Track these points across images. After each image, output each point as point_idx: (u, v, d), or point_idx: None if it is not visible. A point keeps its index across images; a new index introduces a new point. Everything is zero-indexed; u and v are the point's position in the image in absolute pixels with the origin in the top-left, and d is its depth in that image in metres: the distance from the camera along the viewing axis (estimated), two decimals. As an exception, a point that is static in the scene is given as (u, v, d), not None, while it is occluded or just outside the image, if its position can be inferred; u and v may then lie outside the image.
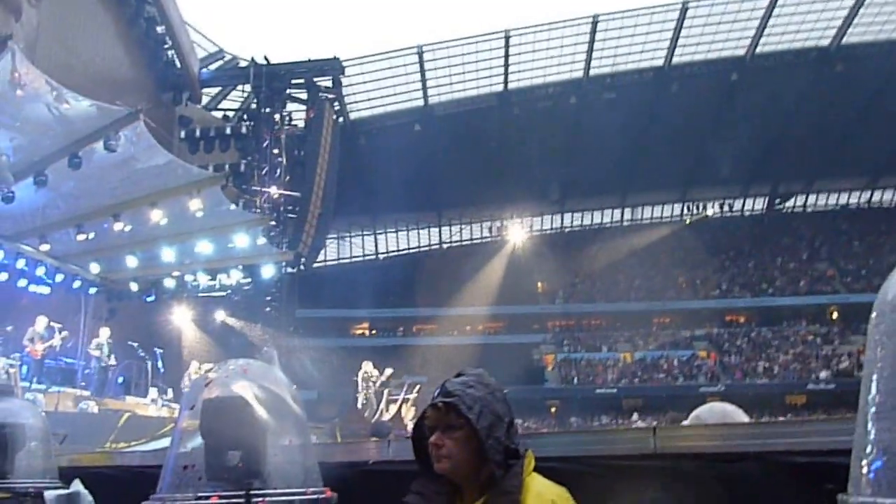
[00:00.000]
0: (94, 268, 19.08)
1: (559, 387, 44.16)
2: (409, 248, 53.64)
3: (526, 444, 2.23)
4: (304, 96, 30.52)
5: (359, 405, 19.96)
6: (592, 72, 41.87)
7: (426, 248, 53.67)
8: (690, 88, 41.71)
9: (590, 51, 40.43)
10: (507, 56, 39.89)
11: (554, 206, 53.05)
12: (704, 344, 46.01)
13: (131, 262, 19.15)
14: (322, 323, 43.33)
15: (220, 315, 29.75)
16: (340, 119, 35.52)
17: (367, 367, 20.27)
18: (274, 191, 27.11)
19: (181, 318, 27.85)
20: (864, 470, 1.17)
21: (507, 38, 38.88)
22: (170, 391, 20.28)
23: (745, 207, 55.34)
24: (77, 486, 3.12)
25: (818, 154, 46.78)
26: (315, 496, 2.30)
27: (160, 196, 16.24)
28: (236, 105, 34.38)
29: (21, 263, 17.23)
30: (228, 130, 28.06)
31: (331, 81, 30.90)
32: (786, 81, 41.47)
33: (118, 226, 16.47)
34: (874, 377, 1.20)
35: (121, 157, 14.48)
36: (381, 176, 40.03)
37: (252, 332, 29.52)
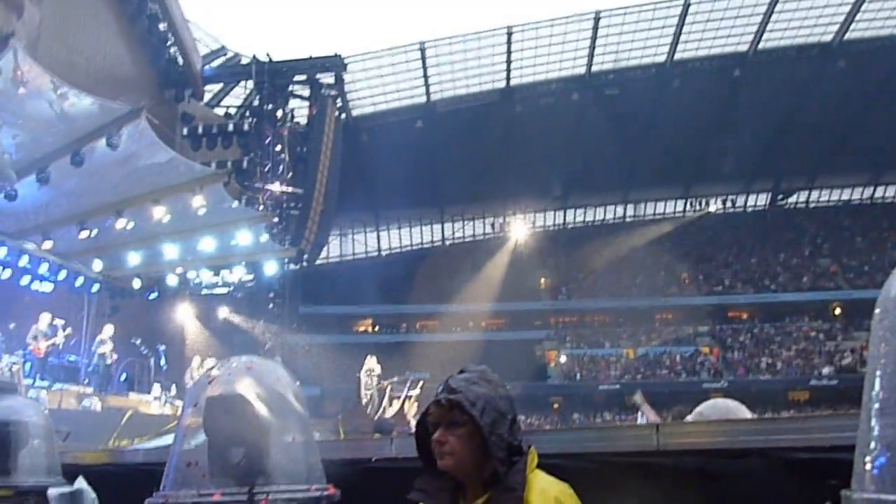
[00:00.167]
0: (97, 265, 19.10)
1: (562, 383, 44.24)
2: (411, 245, 53.69)
3: (529, 440, 2.23)
4: (306, 93, 30.47)
5: (363, 402, 19.90)
6: (595, 68, 41.85)
7: (429, 245, 53.68)
8: (693, 85, 41.64)
9: (592, 47, 40.39)
10: (509, 52, 39.86)
11: (556, 203, 53.06)
12: (707, 340, 46.03)
13: (134, 259, 19.20)
14: (325, 320, 43.42)
15: (223, 312, 29.79)
16: (343, 116, 35.47)
17: (371, 362, 20.08)
18: (276, 188, 27.09)
19: (184, 315, 27.90)
20: (868, 466, 1.17)
21: (509, 35, 38.85)
22: (173, 388, 20.30)
23: (748, 203, 55.27)
24: (80, 483, 3.12)
25: (821, 150, 46.78)
26: (318, 493, 2.30)
27: (163, 193, 16.27)
28: (239, 102, 34.34)
29: (24, 261, 17.27)
30: (231, 127, 28.03)
31: (333, 78, 30.86)
32: (788, 77, 41.47)
33: (121, 223, 16.52)
34: (878, 373, 1.20)
35: (123, 154, 14.51)
36: (383, 172, 40.05)
37: (255, 329, 29.55)
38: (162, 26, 26.98)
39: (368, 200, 45.18)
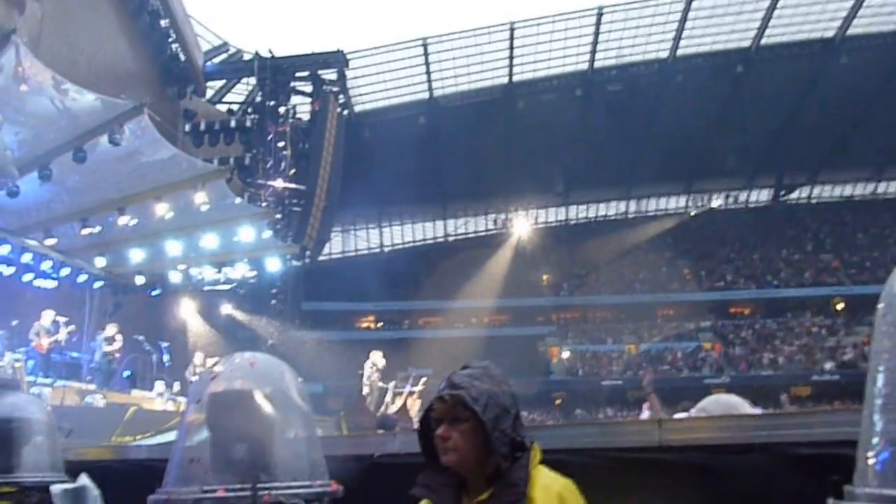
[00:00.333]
0: (100, 262, 19.10)
1: (564, 379, 44.20)
2: (414, 241, 53.67)
3: (532, 436, 2.24)
4: (308, 89, 30.45)
5: (366, 400, 19.83)
6: (597, 64, 41.76)
7: (431, 241, 53.68)
8: (695, 80, 41.50)
9: (595, 43, 40.28)
10: (511, 48, 39.76)
11: (559, 199, 52.95)
12: (709, 336, 45.98)
13: (136, 255, 19.22)
14: (327, 316, 43.42)
15: (226, 308, 29.77)
16: (345, 112, 35.48)
17: (375, 356, 19.80)
18: (279, 184, 27.08)
19: (187, 311, 27.88)
20: (871, 461, 1.17)
21: (511, 31, 38.76)
22: (176, 385, 20.28)
23: (750, 199, 55.13)
24: (83, 479, 3.12)
25: (823, 146, 46.69)
26: (321, 489, 2.30)
27: (165, 190, 16.28)
28: (241, 98, 34.32)
29: (26, 258, 17.26)
30: (233, 124, 28.02)
31: (335, 74, 30.87)
32: (791, 73, 41.36)
33: (123, 220, 16.52)
34: (881, 368, 1.20)
35: (125, 150, 14.52)
36: (385, 169, 40.02)
37: (258, 326, 29.56)
38: (164, 22, 26.96)
39: (371, 197, 45.07)
